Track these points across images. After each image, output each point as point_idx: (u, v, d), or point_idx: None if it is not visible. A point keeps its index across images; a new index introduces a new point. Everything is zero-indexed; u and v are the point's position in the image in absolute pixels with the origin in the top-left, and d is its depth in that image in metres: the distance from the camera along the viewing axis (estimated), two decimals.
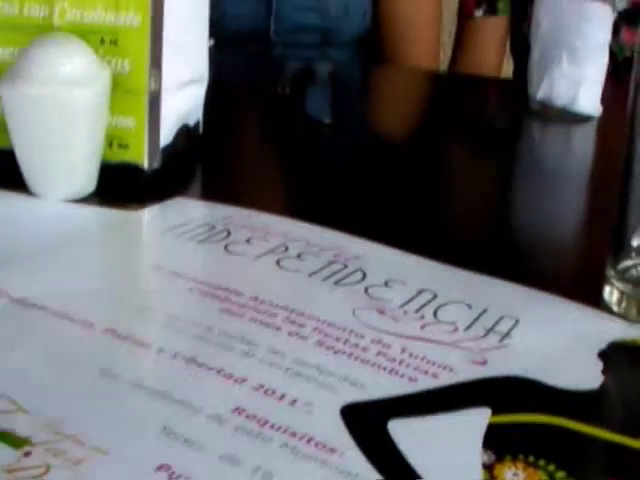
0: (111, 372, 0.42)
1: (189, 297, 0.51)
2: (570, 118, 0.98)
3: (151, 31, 0.66)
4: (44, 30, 0.66)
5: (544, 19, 0.97)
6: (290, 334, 0.47)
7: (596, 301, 0.53)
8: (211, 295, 0.51)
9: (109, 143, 0.69)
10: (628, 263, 0.53)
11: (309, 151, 0.87)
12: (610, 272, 0.53)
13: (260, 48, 1.40)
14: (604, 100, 0.98)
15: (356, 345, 0.46)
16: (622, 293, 0.52)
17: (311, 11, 1.38)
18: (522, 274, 0.56)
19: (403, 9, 1.41)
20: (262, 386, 0.41)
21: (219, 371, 0.42)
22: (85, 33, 0.66)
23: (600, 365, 0.46)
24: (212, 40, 1.19)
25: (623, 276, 0.52)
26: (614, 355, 0.47)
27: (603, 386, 0.44)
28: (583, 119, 0.98)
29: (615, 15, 1.28)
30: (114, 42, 0.66)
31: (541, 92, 0.99)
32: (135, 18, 0.66)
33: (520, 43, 1.42)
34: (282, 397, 0.41)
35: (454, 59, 1.49)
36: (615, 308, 0.52)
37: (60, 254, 0.56)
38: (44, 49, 0.61)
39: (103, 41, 0.66)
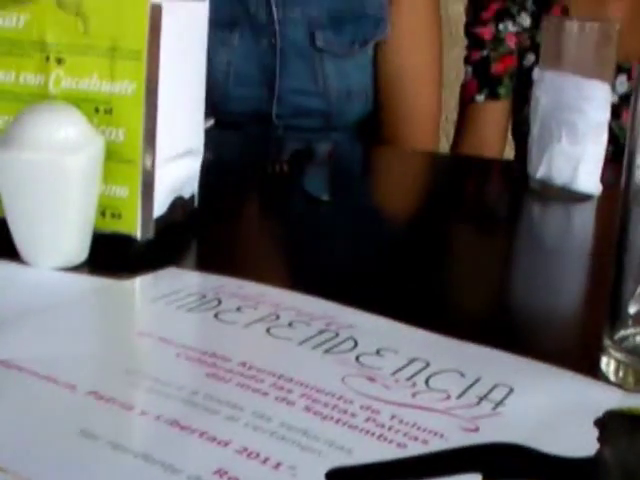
0: (92, 432, 0.41)
1: (176, 362, 0.50)
2: (570, 197, 0.98)
3: (146, 100, 0.67)
4: (40, 98, 0.67)
5: (543, 97, 0.98)
6: (277, 399, 0.46)
7: (593, 372, 0.52)
8: (198, 360, 0.50)
9: (102, 212, 0.69)
10: (625, 332, 0.52)
11: (304, 225, 0.88)
12: (607, 342, 0.53)
13: (262, 130, 1.41)
14: (605, 181, 0.99)
15: (345, 411, 0.45)
16: (619, 362, 0.51)
17: (313, 95, 1.40)
18: (519, 345, 0.55)
19: (404, 92, 1.42)
20: (246, 449, 0.41)
21: (202, 434, 0.42)
22: (80, 101, 0.66)
23: (596, 433, 0.45)
24: (212, 119, 1.21)
25: (620, 345, 0.52)
26: (610, 423, 0.46)
27: (599, 454, 0.43)
28: (583, 198, 0.98)
29: (616, 98, 1.30)
30: (109, 111, 0.67)
31: (541, 171, 0.99)
32: (130, 86, 0.66)
33: (521, 126, 1.43)
34: (266, 460, 0.40)
35: (456, 143, 1.50)
36: (612, 378, 0.51)
37: (49, 319, 0.55)
38: (37, 115, 0.62)
39: (98, 110, 0.67)
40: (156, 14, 0.66)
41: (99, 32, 0.66)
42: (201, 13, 0.73)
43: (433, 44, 1.44)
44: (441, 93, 1.47)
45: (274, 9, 1.38)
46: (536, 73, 1.01)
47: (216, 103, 1.35)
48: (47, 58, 0.67)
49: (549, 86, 0.98)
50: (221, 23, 1.35)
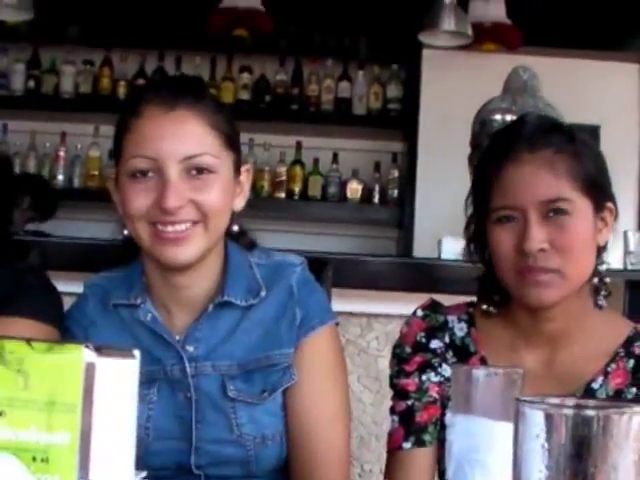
0: None
1: None
2: None
3: (80, 449, 0.76)
4: None
5: (455, 441, 1.08)
6: None
7: None
8: None
9: None
10: None
11: None
12: None
13: None
14: None
15: None
16: None
17: (229, 443, 1.50)
18: None
19: (313, 436, 1.53)
20: None
21: None
22: (19, 451, 0.75)
23: None
24: (144, 472, 1.29)
25: None
26: None
27: None
28: None
29: None
30: (45, 460, 0.76)
31: None
32: (66, 437, 0.76)
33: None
34: None
35: None
36: None
37: None
38: None
39: (35, 459, 0.76)
40: (90, 371, 0.77)
41: (38, 387, 0.77)
42: (132, 369, 0.84)
43: (339, 388, 1.57)
44: (349, 436, 1.58)
45: (187, 365, 1.52)
46: (448, 418, 1.12)
47: (139, 457, 1.44)
48: None
49: (460, 429, 1.09)
50: (140, 381, 1.48)
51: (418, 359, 1.58)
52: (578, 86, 4.74)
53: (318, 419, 1.54)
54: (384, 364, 2.98)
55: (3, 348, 0.77)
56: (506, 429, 1.08)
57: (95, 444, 0.78)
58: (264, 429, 1.52)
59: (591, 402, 0.69)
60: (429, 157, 4.59)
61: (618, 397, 1.46)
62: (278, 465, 1.54)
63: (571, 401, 0.69)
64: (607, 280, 1.53)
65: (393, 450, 1.57)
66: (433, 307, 1.62)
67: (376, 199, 4.78)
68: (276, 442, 1.52)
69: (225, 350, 1.53)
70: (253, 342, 1.54)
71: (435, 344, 1.58)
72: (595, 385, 1.48)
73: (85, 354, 0.77)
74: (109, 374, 0.80)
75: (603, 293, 1.52)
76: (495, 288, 1.55)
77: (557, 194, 1.43)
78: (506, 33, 4.37)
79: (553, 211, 1.44)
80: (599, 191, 1.48)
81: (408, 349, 1.59)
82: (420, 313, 1.61)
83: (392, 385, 1.62)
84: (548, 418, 0.68)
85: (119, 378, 0.83)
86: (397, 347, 1.61)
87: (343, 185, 4.78)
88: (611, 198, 1.51)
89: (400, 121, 4.74)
